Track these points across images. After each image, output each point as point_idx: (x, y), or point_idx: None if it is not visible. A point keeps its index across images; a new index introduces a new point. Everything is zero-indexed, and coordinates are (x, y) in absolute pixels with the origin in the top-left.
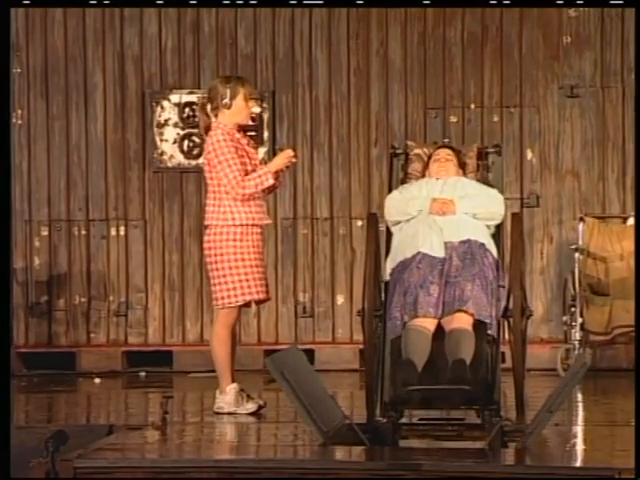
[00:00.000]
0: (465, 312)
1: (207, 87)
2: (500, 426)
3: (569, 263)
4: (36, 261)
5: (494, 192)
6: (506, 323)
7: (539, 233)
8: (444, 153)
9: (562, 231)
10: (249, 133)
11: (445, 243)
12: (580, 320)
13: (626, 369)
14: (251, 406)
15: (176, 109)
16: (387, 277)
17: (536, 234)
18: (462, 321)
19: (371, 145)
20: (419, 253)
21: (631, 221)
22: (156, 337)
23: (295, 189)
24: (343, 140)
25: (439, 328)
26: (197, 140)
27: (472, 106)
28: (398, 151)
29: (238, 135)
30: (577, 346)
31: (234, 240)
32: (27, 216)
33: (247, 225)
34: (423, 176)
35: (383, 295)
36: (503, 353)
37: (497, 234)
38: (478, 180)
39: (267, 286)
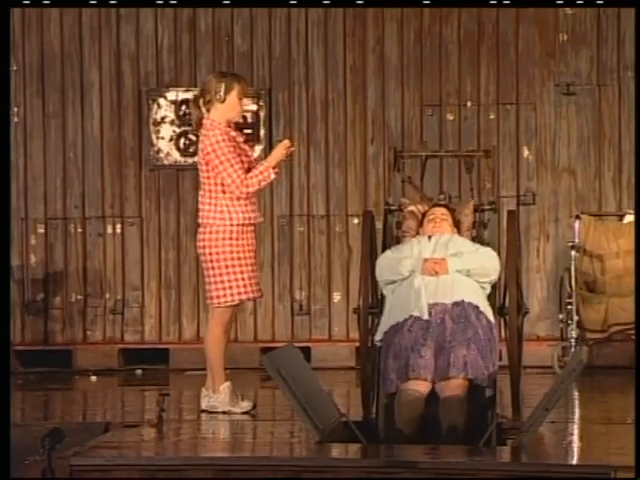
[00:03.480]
0: (460, 378)
1: (202, 82)
2: (496, 424)
3: (565, 261)
4: (32, 259)
5: (487, 249)
6: (503, 321)
7: (535, 231)
8: (439, 212)
9: (558, 229)
10: (246, 131)
11: (438, 305)
12: (576, 318)
13: (622, 367)
14: (246, 404)
15: (172, 107)
16: (378, 340)
17: (532, 232)
18: (457, 388)
19: (367, 143)
20: (410, 317)
21: (627, 219)
22: (152, 335)
23: (291, 186)
24: (339, 138)
25: (432, 390)
26: (193, 138)
27: (468, 104)
28: (392, 207)
29: (233, 133)
30: (573, 344)
31: (230, 239)
32: (23, 214)
33: (243, 224)
34: (417, 234)
35: (377, 358)
36: (500, 350)
37: (493, 294)
38: (473, 238)
39: (259, 284)
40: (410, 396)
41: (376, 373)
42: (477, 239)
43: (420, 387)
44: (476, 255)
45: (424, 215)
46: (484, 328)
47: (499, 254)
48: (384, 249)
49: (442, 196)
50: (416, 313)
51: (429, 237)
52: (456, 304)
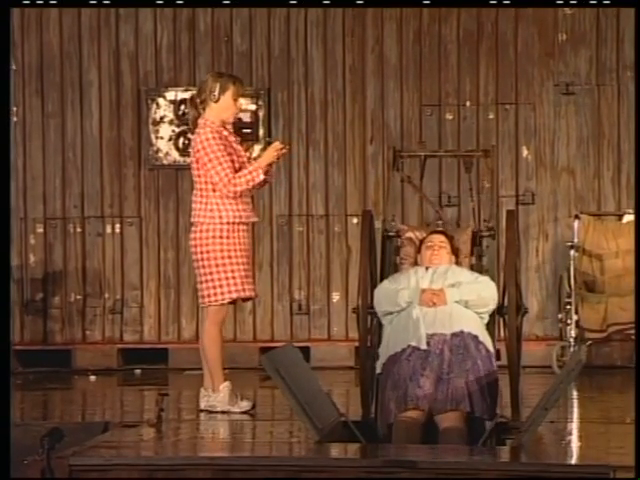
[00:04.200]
0: (459, 410)
1: (199, 81)
2: (495, 423)
3: (564, 260)
4: (31, 258)
5: (486, 279)
6: (502, 320)
7: (534, 230)
8: (437, 240)
9: (557, 228)
10: (245, 130)
11: (436, 335)
12: (575, 317)
13: (621, 366)
14: (245, 404)
15: (171, 106)
16: (378, 374)
17: (531, 231)
18: (456, 420)
19: (367, 142)
20: (409, 347)
21: (626, 218)
22: (151, 334)
23: (290, 186)
24: (339, 137)
25: (430, 419)
26: (191, 137)
27: (468, 103)
28: (390, 233)
29: (226, 133)
30: (572, 343)
31: (220, 237)
32: (22, 213)
33: (234, 223)
34: (415, 261)
35: (375, 389)
36: (498, 350)
37: (491, 323)
38: (472, 265)
39: (254, 284)
40: (407, 423)
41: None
42: (475, 266)
43: (418, 416)
44: (474, 286)
45: (422, 242)
46: (483, 358)
47: (497, 277)
48: (382, 277)
49: (440, 222)
50: (414, 343)
51: (426, 267)
52: (455, 335)
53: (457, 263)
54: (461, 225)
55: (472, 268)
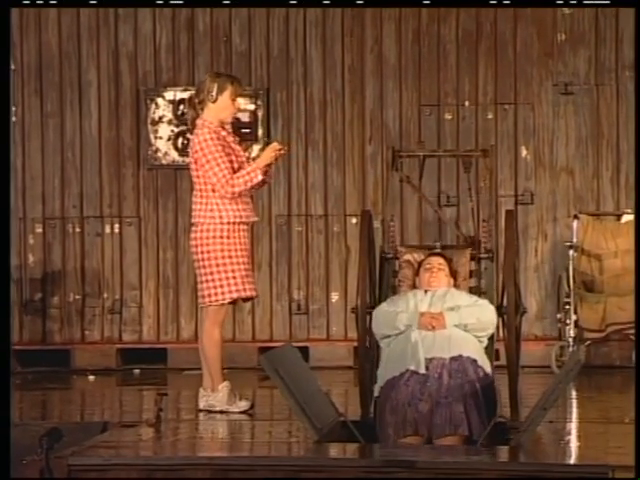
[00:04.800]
0: (458, 434)
1: (198, 82)
2: (494, 423)
3: (563, 260)
4: (30, 258)
5: (485, 302)
6: (501, 320)
7: (533, 230)
8: (436, 262)
9: (556, 228)
10: (243, 130)
11: (435, 359)
12: (574, 317)
13: (620, 366)
14: (244, 404)
15: (170, 106)
16: (376, 397)
17: (530, 231)
18: (454, 444)
19: (365, 142)
20: (407, 371)
21: (625, 218)
22: (150, 334)
23: (289, 186)
24: (337, 137)
25: (429, 443)
26: (190, 137)
27: (466, 103)
28: (388, 255)
29: (224, 133)
30: (571, 343)
31: (221, 237)
32: (21, 213)
33: (234, 223)
34: (413, 283)
35: (373, 412)
36: (497, 350)
37: (490, 345)
38: (470, 288)
39: (254, 283)
40: None
41: (374, 373)
42: (474, 289)
43: (416, 441)
44: (474, 309)
45: (420, 264)
46: (482, 382)
47: (496, 300)
48: (380, 299)
49: (438, 244)
50: (413, 367)
51: (425, 290)
52: (454, 359)
53: (455, 285)
54: (459, 244)
55: (471, 290)
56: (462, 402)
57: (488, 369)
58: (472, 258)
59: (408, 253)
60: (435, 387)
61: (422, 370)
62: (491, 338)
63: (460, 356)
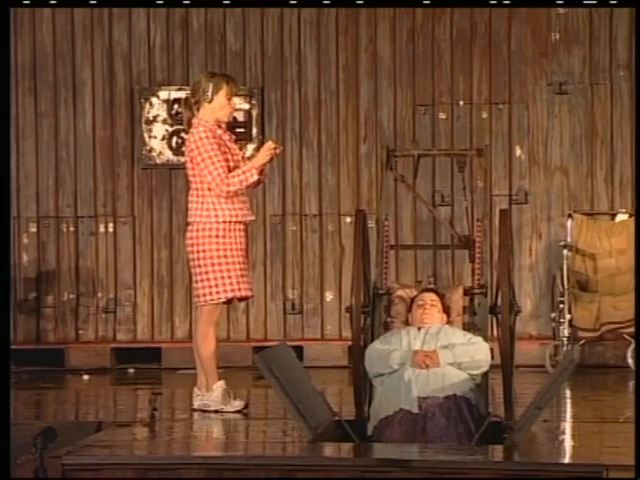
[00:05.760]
0: None
1: (193, 82)
2: (489, 422)
3: (558, 260)
4: (24, 258)
5: (479, 339)
6: (495, 320)
7: (528, 230)
8: (428, 298)
9: (551, 228)
10: (238, 130)
11: (429, 398)
12: (568, 317)
13: (614, 365)
14: (238, 403)
15: (165, 106)
16: (369, 433)
17: (525, 231)
18: None
19: (360, 142)
20: (401, 410)
21: (619, 218)
22: (145, 334)
23: (284, 186)
24: (332, 137)
25: None
26: (185, 137)
27: (461, 103)
28: (381, 291)
29: (220, 131)
30: (565, 343)
31: (217, 237)
32: (15, 212)
33: (230, 222)
34: (406, 319)
35: None
36: (492, 349)
37: (484, 382)
38: (464, 324)
39: (250, 283)
40: None
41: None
42: (468, 325)
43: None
44: (468, 347)
45: (413, 300)
46: (476, 422)
47: (490, 336)
48: (372, 335)
49: (432, 278)
50: (406, 407)
51: (419, 328)
52: (448, 398)
53: (449, 322)
54: (452, 284)
55: (464, 326)
56: (456, 441)
57: (482, 408)
58: (465, 294)
59: (401, 289)
60: (429, 427)
61: (415, 410)
62: (485, 375)
63: (454, 395)
